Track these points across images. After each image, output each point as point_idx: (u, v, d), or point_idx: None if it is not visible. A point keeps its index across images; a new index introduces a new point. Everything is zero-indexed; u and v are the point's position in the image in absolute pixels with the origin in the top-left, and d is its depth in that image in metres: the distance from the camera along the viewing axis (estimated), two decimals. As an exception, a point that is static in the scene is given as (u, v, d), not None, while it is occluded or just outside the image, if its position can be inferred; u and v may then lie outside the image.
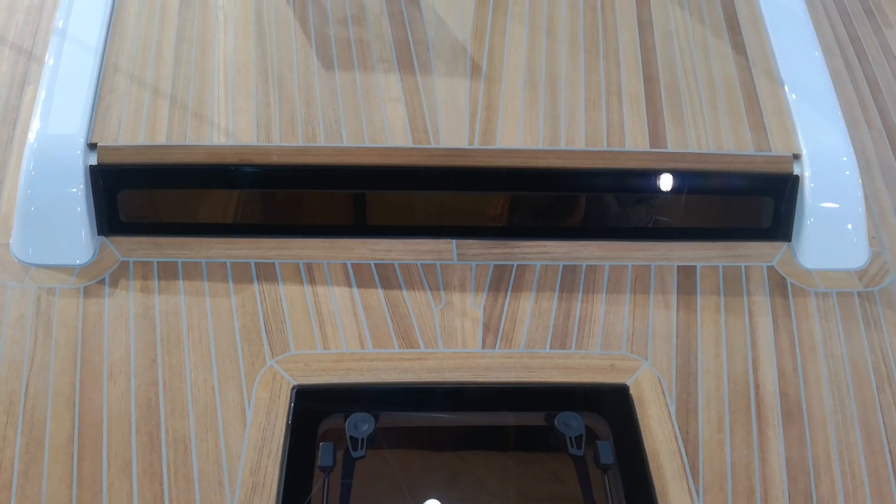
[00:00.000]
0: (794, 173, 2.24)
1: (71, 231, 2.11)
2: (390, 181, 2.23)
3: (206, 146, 2.17)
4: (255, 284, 2.05)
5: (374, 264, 2.12)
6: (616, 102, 2.35)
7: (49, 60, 2.40)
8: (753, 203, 2.31)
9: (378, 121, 2.26)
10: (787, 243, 2.23)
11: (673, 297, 2.09)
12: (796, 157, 2.27)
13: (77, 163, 2.13)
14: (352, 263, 2.11)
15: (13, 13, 2.80)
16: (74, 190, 2.12)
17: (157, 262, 2.09)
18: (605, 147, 2.23)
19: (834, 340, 2.05)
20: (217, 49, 2.42)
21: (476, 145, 2.22)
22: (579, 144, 2.24)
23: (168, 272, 2.07)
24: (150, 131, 2.20)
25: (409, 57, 2.43)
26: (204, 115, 2.24)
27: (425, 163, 2.19)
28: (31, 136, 2.20)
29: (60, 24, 2.50)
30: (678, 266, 2.16)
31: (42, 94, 2.28)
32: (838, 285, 2.18)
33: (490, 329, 2.00)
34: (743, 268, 2.17)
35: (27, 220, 2.12)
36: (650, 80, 2.42)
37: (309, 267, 2.10)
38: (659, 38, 2.55)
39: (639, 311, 2.06)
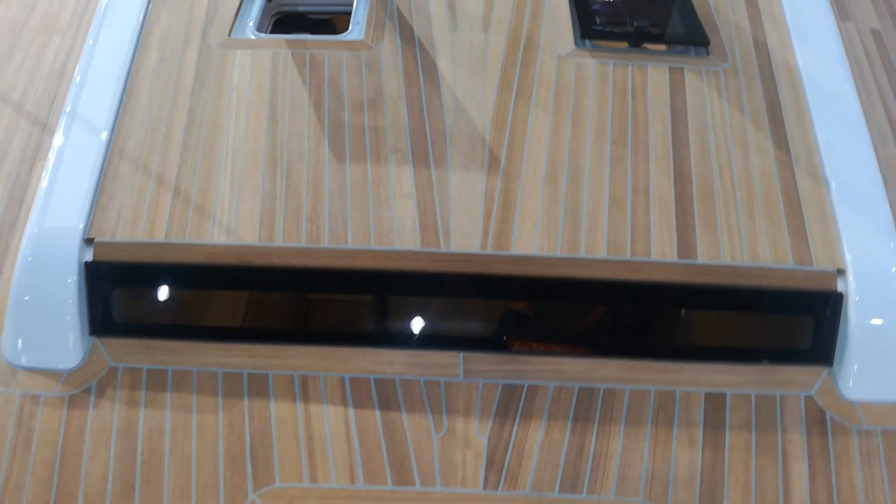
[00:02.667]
0: (838, 290, 1.96)
1: (62, 331, 1.93)
2: (396, 286, 2.00)
3: (205, 245, 1.97)
4: (246, 400, 1.84)
5: (374, 379, 1.89)
6: (643, 203, 2.09)
7: (57, 139, 2.24)
8: (791, 322, 2.02)
9: (387, 219, 2.04)
10: (827, 368, 1.94)
11: (699, 433, 1.81)
12: (840, 272, 1.98)
13: (72, 259, 1.96)
14: (350, 377, 1.89)
15: (34, 78, 2.66)
16: (68, 287, 1.95)
17: (147, 369, 1.90)
18: (628, 256, 1.97)
19: (877, 490, 1.75)
20: (227, 133, 2.23)
21: (489, 250, 1.98)
22: (601, 251, 1.98)
23: (157, 382, 1.88)
24: (150, 225, 2.02)
25: (424, 147, 2.21)
26: (207, 208, 2.05)
27: (434, 268, 1.96)
28: (30, 225, 2.04)
29: (73, 97, 2.34)
30: (706, 393, 1.88)
31: (45, 182, 2.12)
32: (884, 421, 1.88)
33: (494, 465, 1.75)
34: (778, 398, 1.89)
35: (19, 317, 1.96)
36: (681, 178, 2.15)
37: (304, 380, 1.88)
38: (693, 129, 2.28)
39: (660, 448, 1.79)
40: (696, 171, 2.18)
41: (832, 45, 2.61)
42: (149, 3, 2.66)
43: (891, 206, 2.16)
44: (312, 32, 3.16)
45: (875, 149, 2.33)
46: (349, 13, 2.74)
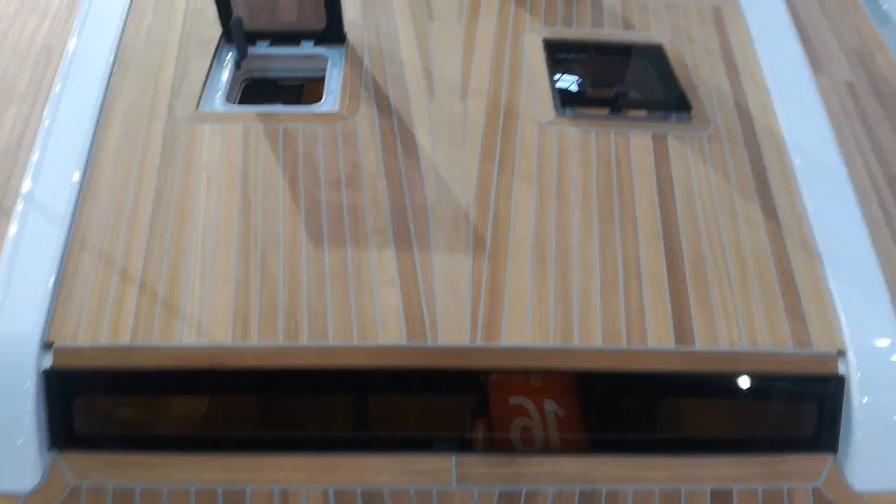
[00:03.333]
0: (839, 373, 1.86)
1: (18, 447, 1.76)
2: (382, 385, 1.87)
3: (174, 347, 1.81)
4: None
5: (361, 491, 1.74)
6: (635, 284, 1.99)
7: (12, 228, 2.07)
8: (793, 408, 1.93)
9: (369, 309, 1.90)
10: (832, 455, 1.84)
11: None
12: (841, 353, 1.89)
13: (30, 366, 1.79)
14: (334, 490, 1.74)
15: None
16: (25, 398, 1.77)
17: (113, 487, 1.73)
18: (624, 344, 1.86)
19: None
20: (197, 218, 2.08)
21: (479, 342, 1.85)
22: (595, 340, 1.87)
23: (124, 503, 1.70)
24: (114, 325, 1.85)
25: (405, 227, 2.08)
26: (175, 303, 1.89)
27: (422, 364, 1.83)
28: None
29: (30, 179, 2.18)
30: (712, 490, 1.77)
31: None
32: None
33: None
34: (785, 492, 1.79)
35: None
36: (672, 254, 2.05)
37: (284, 496, 1.73)
38: (681, 200, 2.19)
39: None
40: (687, 247, 2.08)
41: (812, 106, 2.56)
42: (111, 73, 2.51)
43: (882, 273, 2.09)
44: (283, 99, 3.04)
45: (861, 211, 2.26)
46: (321, 78, 2.63)
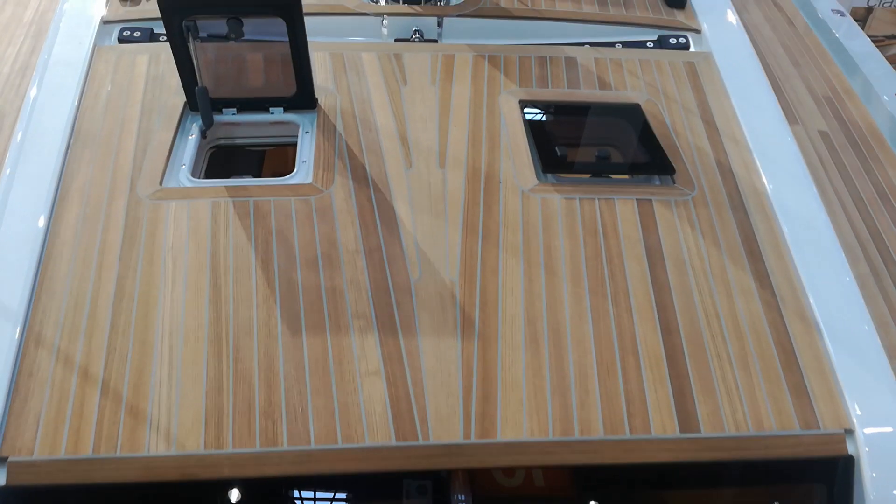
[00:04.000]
0: (848, 453, 1.76)
1: None
2: (369, 492, 1.70)
3: (140, 458, 1.64)
4: None
5: None
6: (633, 366, 1.87)
7: None
8: (805, 492, 1.82)
9: (353, 406, 1.75)
10: None
11: None
12: (848, 431, 1.79)
13: None
14: None
15: None
16: None
17: None
18: (627, 434, 1.73)
19: None
20: (163, 308, 1.91)
21: (473, 439, 1.71)
22: (596, 430, 1.74)
23: None
24: (75, 436, 1.67)
25: (389, 309, 1.94)
26: (141, 408, 1.72)
27: (413, 466, 1.68)
28: None
29: None
30: None
31: None
32: None
33: None
34: None
35: None
36: (669, 331, 1.95)
37: None
38: (672, 270, 2.09)
39: None
40: (683, 322, 1.98)
41: (794, 162, 2.51)
42: (68, 148, 2.34)
43: (881, 339, 2.01)
44: (253, 165, 2.89)
45: (852, 271, 2.19)
46: (292, 144, 2.49)
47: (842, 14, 3.97)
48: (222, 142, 2.58)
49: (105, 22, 2.86)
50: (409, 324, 1.91)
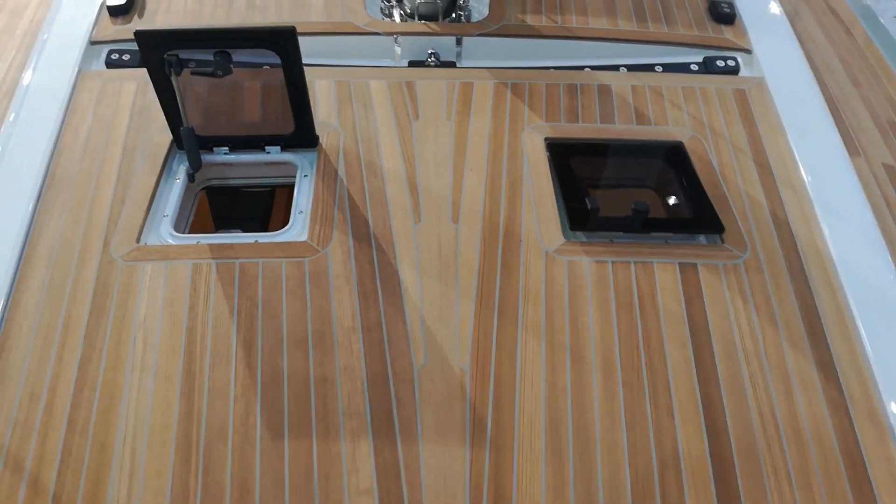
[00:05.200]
0: None
1: None
2: None
3: None
4: None
5: None
6: (674, 482, 1.55)
7: None
8: None
9: None
10: None
11: None
12: None
13: None
14: None
15: None
16: None
17: None
18: None
19: None
20: (127, 402, 1.63)
21: None
22: None
23: None
24: None
25: (387, 405, 1.64)
26: None
27: None
28: None
29: None
30: None
31: None
32: None
33: None
34: None
35: None
36: (717, 437, 1.61)
37: None
38: (721, 357, 1.75)
39: None
40: (734, 426, 1.64)
41: (861, 216, 2.13)
42: (40, 195, 2.06)
43: None
44: (245, 205, 2.59)
45: None
46: (290, 185, 2.19)
47: (906, 21, 3.53)
48: (213, 182, 2.28)
49: (93, 42, 2.57)
50: (409, 426, 1.61)
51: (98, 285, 1.84)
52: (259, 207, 2.80)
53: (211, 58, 1.97)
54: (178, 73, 1.98)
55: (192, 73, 2.00)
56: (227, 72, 1.99)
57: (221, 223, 2.57)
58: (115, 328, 1.76)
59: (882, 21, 3.45)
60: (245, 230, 2.64)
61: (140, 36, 1.91)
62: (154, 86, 2.01)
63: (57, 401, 1.63)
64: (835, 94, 2.87)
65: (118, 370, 1.68)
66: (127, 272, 1.87)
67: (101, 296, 1.82)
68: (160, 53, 1.95)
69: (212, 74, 1.99)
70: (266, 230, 2.69)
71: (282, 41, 1.95)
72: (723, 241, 2.01)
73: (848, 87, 2.97)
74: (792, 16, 2.99)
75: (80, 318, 1.78)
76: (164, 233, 2.00)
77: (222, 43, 1.96)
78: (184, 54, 1.99)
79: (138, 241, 1.95)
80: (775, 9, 2.90)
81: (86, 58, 2.51)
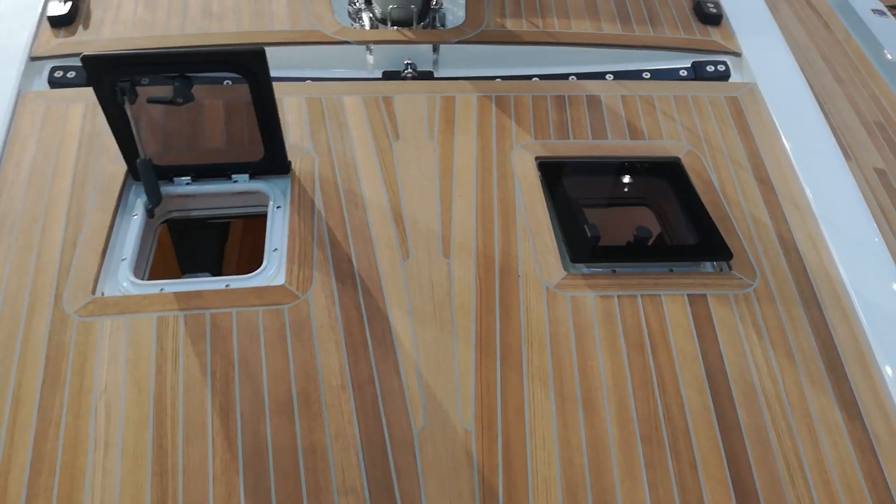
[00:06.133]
0: None
1: None
2: None
3: None
4: None
5: None
6: (703, 548, 1.40)
7: None
8: None
9: None
10: None
11: None
12: None
13: None
14: None
15: None
16: None
17: None
18: None
19: None
20: (91, 487, 1.42)
21: None
22: None
23: None
24: None
25: (387, 480, 1.47)
26: None
27: None
28: None
29: None
30: None
31: None
32: None
33: None
34: None
35: None
36: (743, 492, 1.49)
37: None
38: (740, 398, 1.62)
39: None
40: (761, 478, 1.51)
41: (867, 232, 2.01)
42: None
43: None
44: (212, 237, 2.36)
45: None
46: (261, 216, 1.98)
47: (883, 14, 3.44)
48: (174, 215, 2.06)
49: (33, 58, 2.29)
50: (412, 500, 1.43)
51: (51, 347, 1.62)
52: (225, 239, 2.58)
53: (167, 78, 1.74)
54: (133, 102, 1.75)
55: (149, 102, 1.77)
56: (189, 99, 1.76)
57: (184, 259, 2.34)
58: (73, 398, 1.54)
59: (860, 14, 3.35)
60: (210, 266, 2.42)
61: (88, 62, 1.67)
62: (105, 115, 1.78)
63: (11, 487, 1.42)
64: (820, 93, 2.76)
65: (79, 449, 1.47)
66: (83, 330, 1.65)
67: (54, 359, 1.60)
68: (111, 80, 1.71)
69: (171, 102, 1.76)
70: (234, 265, 2.48)
71: (250, 64, 1.73)
72: (731, 268, 1.87)
73: (832, 85, 2.86)
74: (772, 11, 2.86)
75: (31, 387, 1.56)
76: (123, 280, 1.77)
77: (182, 67, 1.73)
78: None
79: (94, 291, 1.73)
80: (761, 7, 2.77)
81: (26, 76, 2.25)
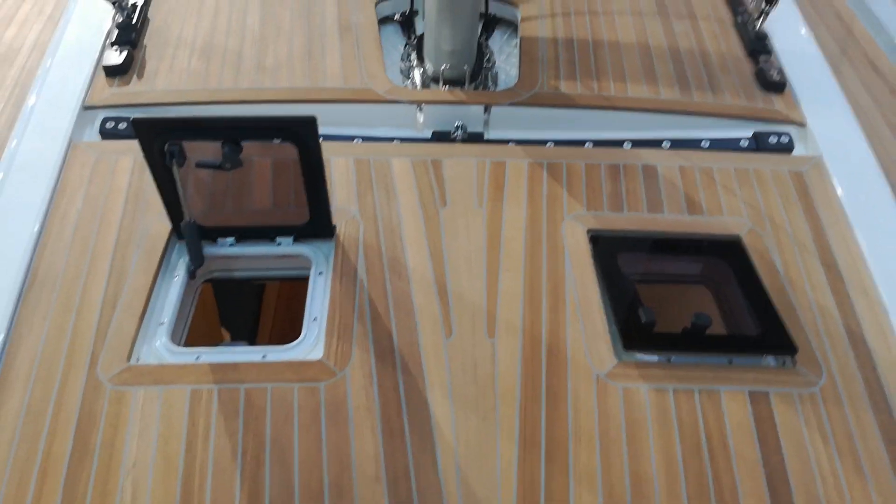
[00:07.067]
0: None
1: None
2: None
3: None
4: None
5: None
6: None
7: None
8: None
9: None
10: None
11: None
12: None
13: None
14: None
15: None
16: None
17: None
18: None
19: None
20: None
21: None
22: None
23: None
24: None
25: None
26: None
27: None
28: None
29: None
30: None
31: None
32: None
33: None
34: None
35: None
36: None
37: None
38: (797, 487, 1.48)
39: None
40: None
41: None
42: (20, 297, 1.79)
43: None
44: (250, 299, 2.31)
45: None
46: (302, 279, 1.92)
47: (954, 81, 3.28)
48: (216, 275, 2.01)
49: (86, 107, 2.30)
50: None
51: (82, 415, 1.57)
52: (262, 298, 2.53)
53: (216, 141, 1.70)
54: (181, 165, 1.72)
55: (198, 166, 1.73)
56: (237, 165, 1.72)
57: (223, 317, 2.29)
58: (101, 471, 1.48)
59: (927, 80, 3.20)
60: (248, 325, 2.37)
61: (138, 125, 1.64)
62: (153, 176, 1.75)
63: None
64: (888, 167, 2.61)
65: (102, 532, 1.41)
66: (116, 399, 1.60)
67: (85, 428, 1.55)
68: (161, 143, 1.68)
69: (219, 167, 1.72)
70: (271, 325, 2.42)
71: (301, 132, 1.68)
72: (795, 364, 1.74)
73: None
74: (836, 74, 2.73)
75: (60, 455, 1.51)
76: (160, 346, 1.72)
77: (231, 132, 1.69)
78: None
79: (129, 357, 1.68)
80: (826, 72, 2.65)
81: (78, 125, 2.25)
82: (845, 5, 3.36)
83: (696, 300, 1.99)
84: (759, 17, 2.67)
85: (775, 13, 2.67)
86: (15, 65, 2.56)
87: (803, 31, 2.79)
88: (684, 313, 1.84)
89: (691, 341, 1.76)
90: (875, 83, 3.11)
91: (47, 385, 1.62)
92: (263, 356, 1.70)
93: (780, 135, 2.37)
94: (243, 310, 2.38)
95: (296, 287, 2.08)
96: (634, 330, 1.75)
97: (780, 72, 2.54)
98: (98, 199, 2.01)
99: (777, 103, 2.47)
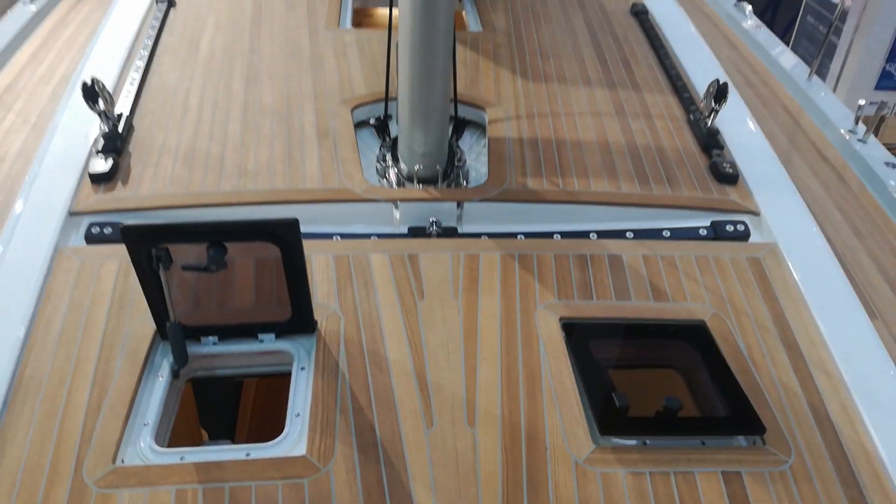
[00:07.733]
0: None
1: None
2: None
3: None
4: None
5: None
6: None
7: None
8: None
9: None
10: None
11: None
12: None
13: None
14: None
15: None
16: None
17: None
18: None
19: None
20: None
21: None
22: None
23: None
24: None
25: None
26: None
27: None
28: None
29: None
30: None
31: None
32: None
33: None
34: None
35: None
36: None
37: None
38: None
39: None
40: None
41: None
42: (5, 404, 1.81)
43: None
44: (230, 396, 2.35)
45: None
46: (284, 374, 1.96)
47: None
48: (199, 373, 2.05)
49: (72, 214, 2.37)
50: None
51: None
52: (241, 395, 2.56)
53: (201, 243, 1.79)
54: (168, 268, 1.79)
55: (184, 269, 1.80)
56: (222, 267, 1.80)
57: (205, 416, 2.31)
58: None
59: (873, 168, 3.41)
60: (229, 421, 2.39)
61: (127, 232, 1.72)
62: (139, 280, 1.81)
63: None
64: (841, 250, 2.76)
65: None
66: (101, 502, 1.60)
67: None
68: (148, 248, 1.75)
69: (205, 269, 1.79)
70: (251, 421, 2.44)
71: (283, 234, 1.77)
72: (764, 443, 1.81)
73: (852, 240, 2.88)
74: (786, 165, 2.93)
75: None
76: (145, 447, 1.74)
77: (216, 236, 1.78)
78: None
79: (114, 459, 1.69)
80: (775, 163, 2.84)
81: (64, 231, 2.31)
82: (791, 99, 3.63)
83: (666, 383, 2.07)
84: (709, 115, 2.88)
85: (725, 110, 2.88)
86: (0, 171, 2.65)
87: (752, 125, 3.01)
88: (656, 397, 1.91)
89: (665, 424, 1.82)
90: (823, 170, 3.32)
91: (32, 491, 1.62)
92: (247, 454, 1.72)
93: (735, 223, 2.52)
94: (222, 406, 2.40)
95: (273, 382, 2.12)
96: (610, 415, 1.82)
97: (733, 164, 2.72)
98: (83, 303, 2.06)
99: (731, 194, 2.64)
